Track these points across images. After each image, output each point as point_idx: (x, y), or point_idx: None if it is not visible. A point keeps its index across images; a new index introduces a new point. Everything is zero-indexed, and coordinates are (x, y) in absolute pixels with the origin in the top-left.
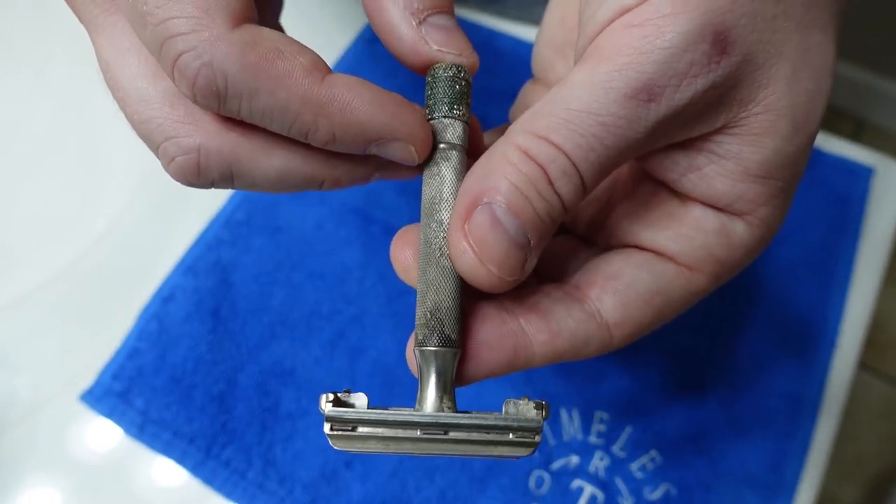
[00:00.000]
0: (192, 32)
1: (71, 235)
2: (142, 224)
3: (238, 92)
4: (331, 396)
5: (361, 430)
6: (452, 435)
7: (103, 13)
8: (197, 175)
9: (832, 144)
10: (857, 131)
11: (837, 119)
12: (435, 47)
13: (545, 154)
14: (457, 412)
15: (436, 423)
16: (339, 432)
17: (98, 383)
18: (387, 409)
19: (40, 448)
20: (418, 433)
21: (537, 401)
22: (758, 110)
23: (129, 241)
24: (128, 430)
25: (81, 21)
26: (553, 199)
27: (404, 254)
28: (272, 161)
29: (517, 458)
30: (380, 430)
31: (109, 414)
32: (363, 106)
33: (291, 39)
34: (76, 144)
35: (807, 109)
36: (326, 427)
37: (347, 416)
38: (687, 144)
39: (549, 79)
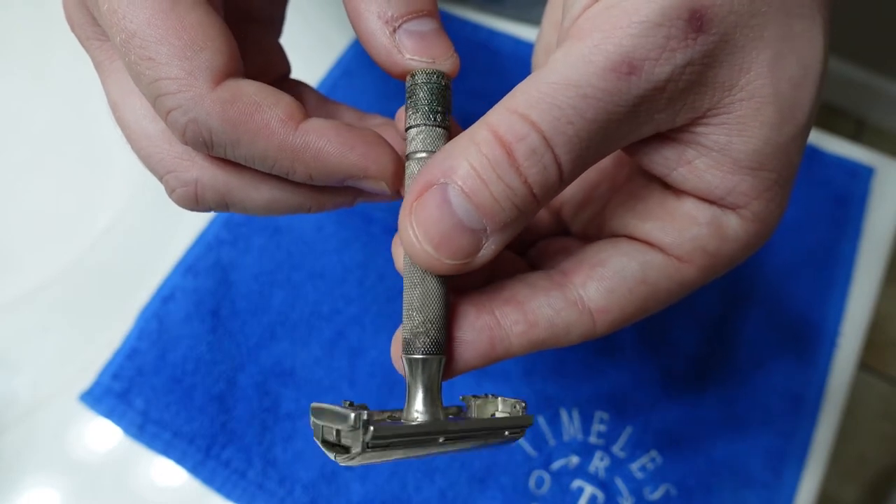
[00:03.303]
0: (179, 92)
1: (71, 235)
2: (142, 224)
3: (222, 142)
4: (364, 414)
5: (392, 447)
6: (459, 440)
7: (108, 59)
8: (195, 203)
9: (832, 144)
10: (857, 131)
11: (837, 119)
12: (407, 56)
13: (514, 132)
14: (437, 416)
15: (453, 430)
16: (377, 452)
17: (98, 383)
18: (396, 417)
19: (40, 448)
20: (441, 440)
21: (506, 398)
22: (742, 96)
23: (129, 241)
24: (127, 431)
25: (92, 61)
26: (515, 184)
27: (401, 253)
28: (261, 193)
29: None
30: (402, 444)
31: (109, 414)
32: (334, 150)
33: (270, 90)
34: (76, 144)
35: (793, 97)
36: (359, 457)
37: (387, 432)
38: (675, 137)
39: None
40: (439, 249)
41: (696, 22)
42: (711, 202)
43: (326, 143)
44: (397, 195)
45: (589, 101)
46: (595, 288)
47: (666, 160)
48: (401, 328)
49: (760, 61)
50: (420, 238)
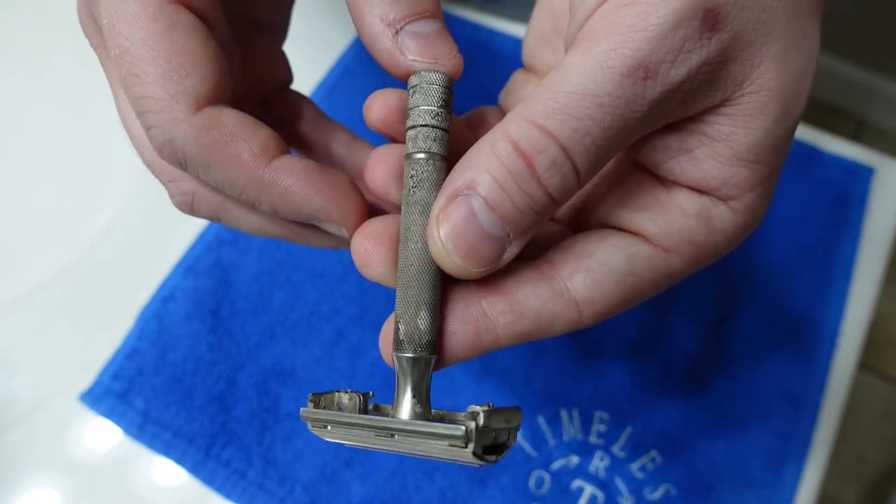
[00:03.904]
0: (160, 113)
1: (71, 235)
2: (142, 224)
3: (195, 165)
4: (311, 396)
5: (332, 428)
6: (398, 438)
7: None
8: (192, 213)
9: (832, 144)
10: (857, 131)
11: (837, 119)
12: (410, 57)
13: (534, 144)
14: (425, 416)
15: (383, 427)
16: (317, 428)
17: (98, 383)
18: (372, 409)
19: (40, 448)
20: (373, 434)
21: (473, 410)
22: (752, 89)
23: (129, 241)
24: (127, 430)
25: (102, 68)
26: (536, 194)
27: (364, 247)
28: (250, 218)
29: (470, 464)
30: (343, 430)
31: (109, 414)
32: (300, 190)
33: (250, 122)
34: (76, 144)
35: (795, 91)
36: (308, 425)
37: (319, 416)
38: (679, 126)
39: (537, 68)
40: (468, 260)
41: (710, 21)
42: (704, 193)
43: (294, 183)
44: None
45: (606, 109)
46: (581, 280)
47: (667, 149)
48: (388, 322)
49: (770, 56)
50: (450, 250)
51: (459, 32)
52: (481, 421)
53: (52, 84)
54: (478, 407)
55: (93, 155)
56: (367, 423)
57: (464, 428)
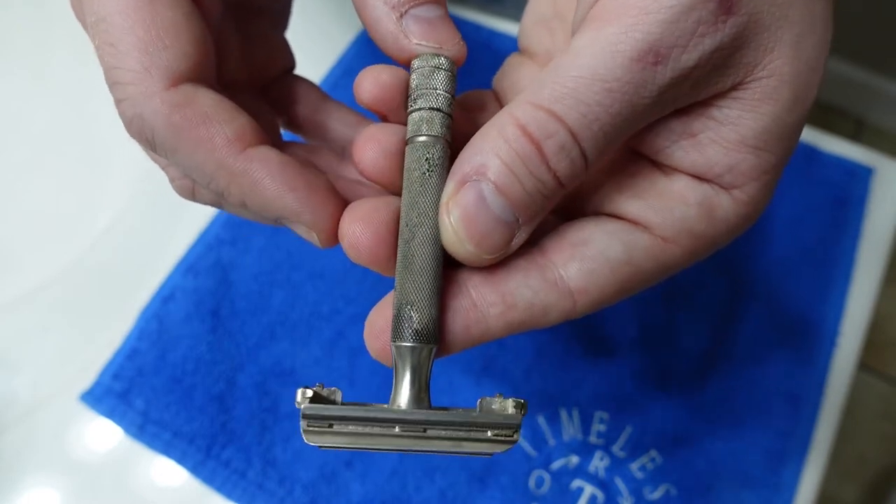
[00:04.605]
0: (131, 84)
1: (71, 235)
2: (142, 224)
3: (163, 145)
4: (309, 392)
5: (337, 427)
6: (430, 432)
7: None
8: (192, 198)
9: (832, 144)
10: (857, 131)
11: (837, 119)
12: (414, 41)
13: (543, 129)
14: (432, 408)
15: (415, 420)
16: (315, 429)
17: (98, 383)
18: (363, 405)
19: (40, 448)
20: (396, 430)
21: (515, 399)
22: (763, 74)
23: (129, 241)
24: (128, 430)
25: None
26: (546, 178)
27: (354, 230)
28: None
29: (491, 454)
30: (357, 428)
31: (109, 414)
32: (273, 185)
33: (229, 106)
34: (76, 144)
35: (807, 79)
36: (303, 423)
37: (325, 412)
38: (685, 110)
39: (534, 51)
40: (480, 246)
41: (725, 3)
42: (706, 180)
43: (266, 176)
44: (329, 246)
45: (614, 95)
46: (577, 268)
47: (670, 133)
48: (375, 313)
49: (785, 41)
50: (461, 236)
51: (460, 32)
52: (523, 411)
53: (52, 84)
54: (492, 398)
55: (93, 155)
56: (402, 417)
57: (520, 417)
